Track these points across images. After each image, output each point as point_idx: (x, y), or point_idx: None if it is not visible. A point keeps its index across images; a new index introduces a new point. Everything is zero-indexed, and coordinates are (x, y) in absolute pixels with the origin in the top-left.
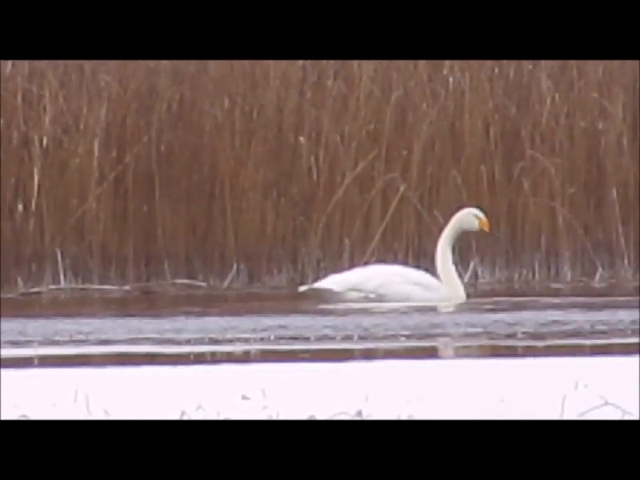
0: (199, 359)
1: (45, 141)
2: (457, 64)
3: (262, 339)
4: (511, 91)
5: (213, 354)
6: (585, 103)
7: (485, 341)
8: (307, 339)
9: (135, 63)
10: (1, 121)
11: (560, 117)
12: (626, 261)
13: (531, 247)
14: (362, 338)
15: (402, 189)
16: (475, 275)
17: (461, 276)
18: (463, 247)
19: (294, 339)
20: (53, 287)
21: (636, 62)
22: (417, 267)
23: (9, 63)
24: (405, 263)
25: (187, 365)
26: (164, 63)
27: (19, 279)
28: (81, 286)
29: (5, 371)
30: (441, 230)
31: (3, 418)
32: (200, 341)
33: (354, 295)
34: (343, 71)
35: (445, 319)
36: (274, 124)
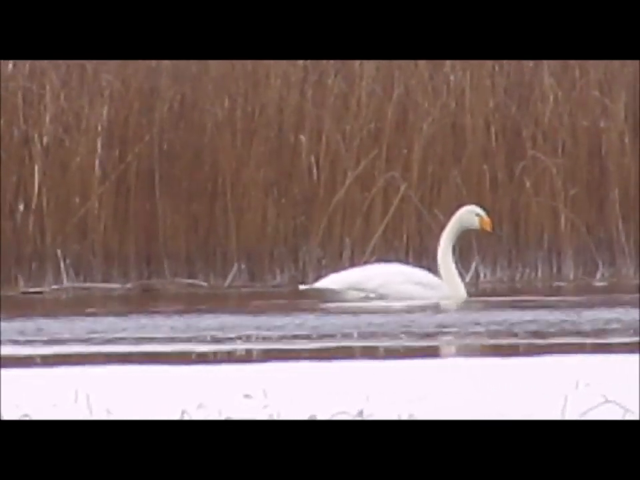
0: (200, 358)
1: (46, 140)
2: (458, 63)
3: (263, 338)
4: (512, 90)
5: (214, 353)
6: (587, 101)
7: (486, 340)
8: (307, 338)
9: (136, 62)
10: (2, 120)
11: (561, 116)
12: (628, 260)
13: (533, 245)
14: (363, 337)
15: (403, 187)
16: (477, 274)
17: (462, 275)
18: (465, 246)
19: (295, 338)
20: (54, 286)
21: (637, 61)
22: (418, 265)
23: (10, 62)
24: (405, 261)
25: (188, 364)
26: (165, 62)
27: (20, 278)
28: (82, 285)
29: (5, 371)
30: (441, 229)
31: (3, 418)
32: (201, 340)
33: (355, 294)
34: (343, 70)
35: (446, 318)
36: (275, 123)
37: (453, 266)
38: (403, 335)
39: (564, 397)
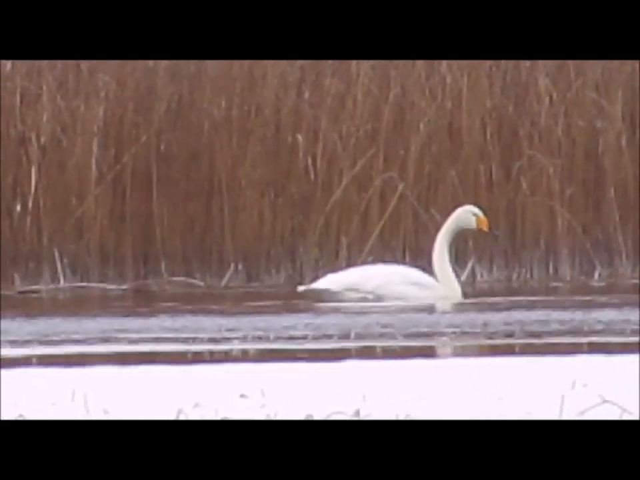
0: (197, 358)
1: (42, 140)
2: (454, 63)
3: (260, 338)
4: (509, 90)
5: (211, 353)
6: (583, 102)
7: (482, 340)
8: (304, 339)
9: (133, 62)
10: None
11: (558, 116)
12: (624, 260)
13: (530, 246)
14: (359, 337)
15: (400, 188)
16: (473, 274)
17: (458, 275)
18: (461, 246)
19: (292, 338)
20: (51, 285)
21: (634, 61)
22: (415, 266)
23: (7, 62)
24: (402, 262)
25: (185, 364)
26: (162, 62)
27: (17, 277)
28: (79, 284)
29: (1, 371)
30: (438, 229)
31: (0, 418)
32: (198, 340)
33: (352, 294)
34: (340, 70)
35: (443, 318)
36: (272, 123)
37: (449, 266)
38: (399, 335)
39: (561, 397)
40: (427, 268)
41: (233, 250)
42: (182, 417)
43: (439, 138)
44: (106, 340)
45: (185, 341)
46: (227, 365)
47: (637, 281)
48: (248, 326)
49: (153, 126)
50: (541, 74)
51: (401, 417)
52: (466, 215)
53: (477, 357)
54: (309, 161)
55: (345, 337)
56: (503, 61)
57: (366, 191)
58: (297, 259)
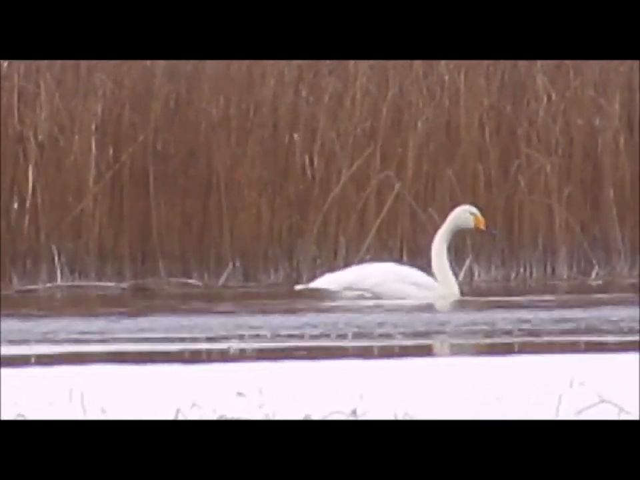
0: (195, 357)
1: (40, 139)
2: (452, 62)
3: (257, 337)
4: (507, 89)
5: (209, 352)
6: (581, 101)
7: (480, 339)
8: (302, 338)
9: (131, 61)
10: None
11: (556, 115)
12: (622, 259)
13: (527, 244)
14: (357, 336)
15: (397, 186)
16: (471, 272)
17: (456, 274)
18: (459, 245)
19: (289, 337)
20: (48, 284)
21: (632, 61)
22: (412, 265)
23: (5, 61)
24: (399, 261)
25: (183, 363)
26: (160, 61)
27: (15, 276)
28: (76, 283)
29: (0, 369)
30: (436, 228)
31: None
32: (195, 339)
33: (350, 293)
34: (338, 69)
35: (441, 317)
36: (270, 122)
37: (447, 265)
38: (397, 335)
39: (558, 396)
40: (425, 267)
41: (231, 249)
42: (180, 417)
43: (437, 137)
44: (103, 339)
45: (183, 340)
46: (225, 364)
47: (634, 280)
48: (246, 325)
49: (151, 125)
50: (539, 73)
51: (399, 416)
52: (464, 214)
53: (475, 356)
54: (307, 160)
55: (343, 336)
56: (500, 61)
57: (364, 189)
58: (294, 257)
